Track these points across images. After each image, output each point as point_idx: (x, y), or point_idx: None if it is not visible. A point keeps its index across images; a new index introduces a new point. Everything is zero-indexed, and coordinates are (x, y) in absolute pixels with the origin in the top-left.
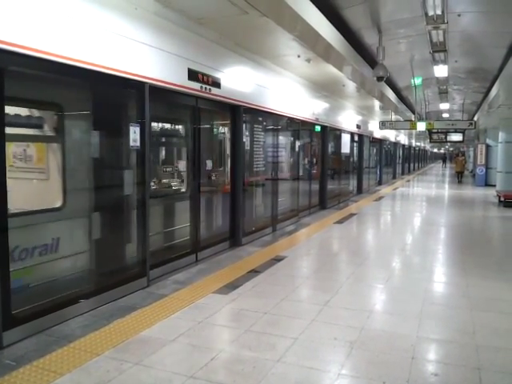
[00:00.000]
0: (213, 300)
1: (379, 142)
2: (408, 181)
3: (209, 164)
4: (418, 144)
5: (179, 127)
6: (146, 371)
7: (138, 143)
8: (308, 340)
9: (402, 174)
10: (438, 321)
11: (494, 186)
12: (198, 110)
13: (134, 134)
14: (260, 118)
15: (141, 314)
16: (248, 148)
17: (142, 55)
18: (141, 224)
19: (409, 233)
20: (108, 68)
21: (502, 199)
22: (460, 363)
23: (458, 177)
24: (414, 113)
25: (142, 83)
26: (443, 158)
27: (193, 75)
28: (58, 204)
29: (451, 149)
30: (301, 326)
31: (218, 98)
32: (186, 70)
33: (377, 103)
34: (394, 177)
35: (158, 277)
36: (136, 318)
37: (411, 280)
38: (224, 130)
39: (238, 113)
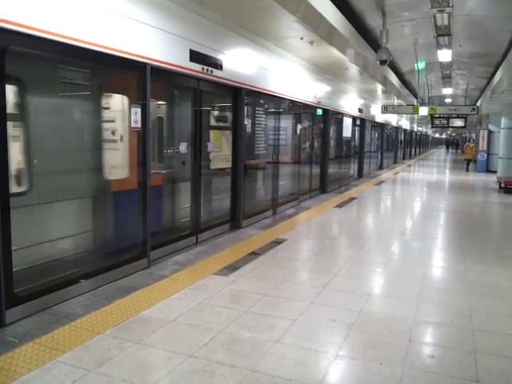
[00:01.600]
0: (213, 281)
1: (381, 127)
2: (409, 166)
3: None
4: (420, 129)
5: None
6: (147, 350)
7: (139, 124)
8: (307, 322)
9: (404, 158)
10: (436, 305)
11: (495, 172)
12: (199, 92)
13: (135, 115)
14: (262, 101)
15: (141, 294)
16: (249, 131)
17: (143, 36)
18: (142, 205)
19: (408, 217)
20: (109, 48)
21: (503, 185)
22: (456, 346)
23: (467, 165)
24: (416, 97)
25: (144, 64)
26: (446, 144)
27: (194, 56)
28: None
29: (453, 134)
30: (300, 307)
31: (220, 80)
32: (188, 52)
33: (379, 87)
34: (395, 161)
35: (158, 258)
36: (136, 298)
37: (410, 264)
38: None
39: (240, 95)
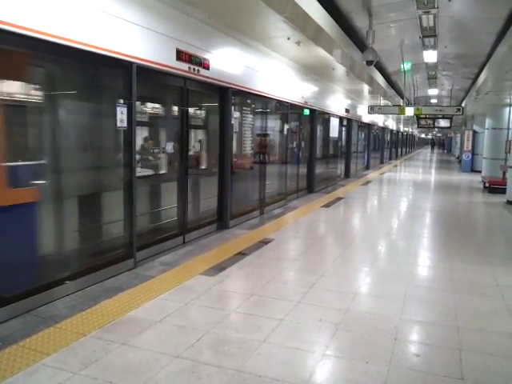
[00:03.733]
0: (199, 282)
1: (367, 127)
2: (395, 166)
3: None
4: (406, 129)
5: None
6: (133, 351)
7: (125, 124)
8: (293, 321)
9: (390, 159)
10: (422, 303)
11: (480, 171)
12: (186, 92)
13: (121, 115)
14: (249, 101)
15: (128, 294)
16: (236, 131)
17: (129, 34)
18: (127, 205)
19: (394, 217)
20: (96, 47)
21: (487, 185)
22: (441, 344)
23: None
24: (402, 98)
25: (130, 63)
26: (432, 144)
27: (181, 56)
28: None
29: (439, 135)
30: (286, 307)
31: (207, 79)
32: (175, 51)
33: (366, 87)
34: (382, 162)
35: (144, 258)
36: (123, 298)
37: (396, 263)
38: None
39: (227, 95)
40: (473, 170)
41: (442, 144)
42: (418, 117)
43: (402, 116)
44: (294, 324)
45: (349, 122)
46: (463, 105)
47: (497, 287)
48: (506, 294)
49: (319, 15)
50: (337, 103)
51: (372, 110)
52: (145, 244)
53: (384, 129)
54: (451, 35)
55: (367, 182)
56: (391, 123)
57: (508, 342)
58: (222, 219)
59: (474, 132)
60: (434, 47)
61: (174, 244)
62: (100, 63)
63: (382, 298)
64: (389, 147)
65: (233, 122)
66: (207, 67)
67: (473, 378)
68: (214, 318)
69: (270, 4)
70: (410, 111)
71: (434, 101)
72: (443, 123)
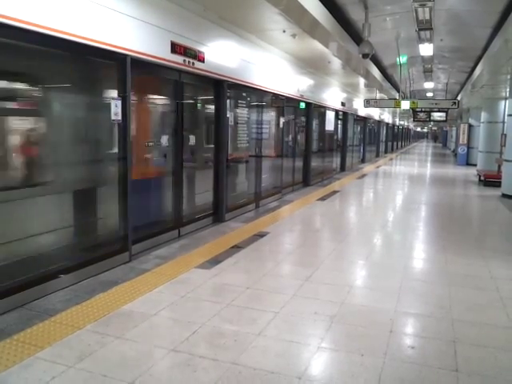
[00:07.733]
0: (195, 275)
1: (363, 120)
2: (391, 159)
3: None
4: (402, 123)
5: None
6: (128, 345)
7: (120, 117)
8: (289, 314)
9: (386, 152)
10: (417, 296)
11: (475, 165)
12: (180, 85)
13: (116, 108)
14: (244, 94)
15: (123, 288)
16: (232, 124)
17: (123, 27)
18: (122, 199)
19: (390, 210)
20: (89, 39)
21: (483, 178)
22: (436, 336)
23: None
24: (398, 91)
25: (124, 55)
26: (434, 137)
27: (176, 48)
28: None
29: (434, 128)
30: (282, 300)
31: (202, 72)
32: (169, 43)
33: (362, 81)
34: (378, 155)
35: (140, 252)
36: (118, 292)
37: (391, 256)
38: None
39: (222, 88)
40: (468, 163)
41: (437, 137)
42: (413, 110)
43: (397, 109)
44: (289, 317)
45: (345, 116)
46: (459, 98)
47: (491, 280)
48: (501, 287)
49: (315, 7)
50: (333, 96)
51: (368, 103)
52: (140, 237)
53: (380, 122)
54: (447, 28)
55: (363, 176)
56: (387, 117)
57: (502, 334)
58: (217, 212)
59: (470, 125)
60: (429, 40)
61: (169, 237)
62: (93, 55)
63: (377, 291)
64: (385, 140)
65: (228, 115)
66: (202, 60)
67: (467, 369)
68: (209, 311)
69: None
70: (405, 104)
71: (429, 94)
72: (439, 117)
